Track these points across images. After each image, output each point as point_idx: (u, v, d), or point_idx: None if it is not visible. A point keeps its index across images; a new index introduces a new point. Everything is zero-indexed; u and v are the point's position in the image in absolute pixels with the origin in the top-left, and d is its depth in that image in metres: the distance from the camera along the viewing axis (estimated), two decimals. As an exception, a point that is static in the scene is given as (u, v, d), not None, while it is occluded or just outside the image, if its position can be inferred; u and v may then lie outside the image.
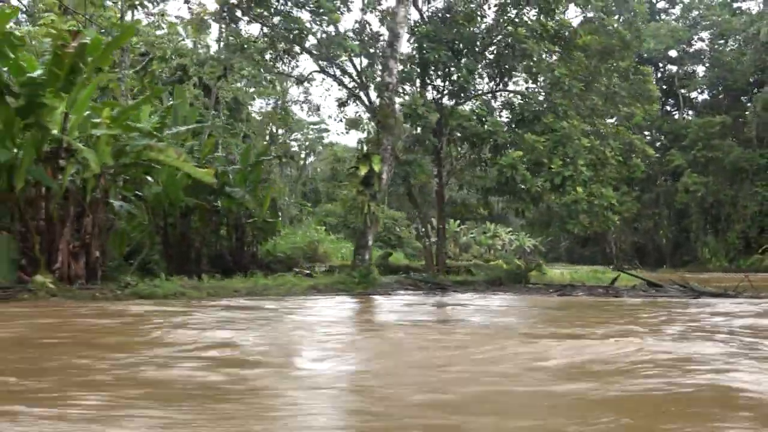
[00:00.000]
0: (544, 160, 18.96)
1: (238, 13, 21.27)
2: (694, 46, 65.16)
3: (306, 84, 26.14)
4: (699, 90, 66.64)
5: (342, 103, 25.01)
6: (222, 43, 26.67)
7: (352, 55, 18.69)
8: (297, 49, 20.93)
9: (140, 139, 17.50)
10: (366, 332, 9.72)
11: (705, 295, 16.01)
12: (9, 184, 15.78)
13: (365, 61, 20.28)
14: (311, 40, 19.77)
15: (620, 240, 62.60)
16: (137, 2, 24.13)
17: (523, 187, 18.72)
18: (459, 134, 19.50)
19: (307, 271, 24.29)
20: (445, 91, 20.39)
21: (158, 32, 28.34)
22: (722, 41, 64.49)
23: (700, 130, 56.59)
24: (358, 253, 18.66)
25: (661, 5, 68.44)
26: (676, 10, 67.75)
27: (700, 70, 66.40)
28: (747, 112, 59.32)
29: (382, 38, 19.93)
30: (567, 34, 19.82)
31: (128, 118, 17.57)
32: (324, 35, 19.00)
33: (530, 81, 20.01)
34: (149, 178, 20.69)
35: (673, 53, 64.86)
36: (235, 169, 23.56)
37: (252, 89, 38.44)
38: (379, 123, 17.99)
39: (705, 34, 65.83)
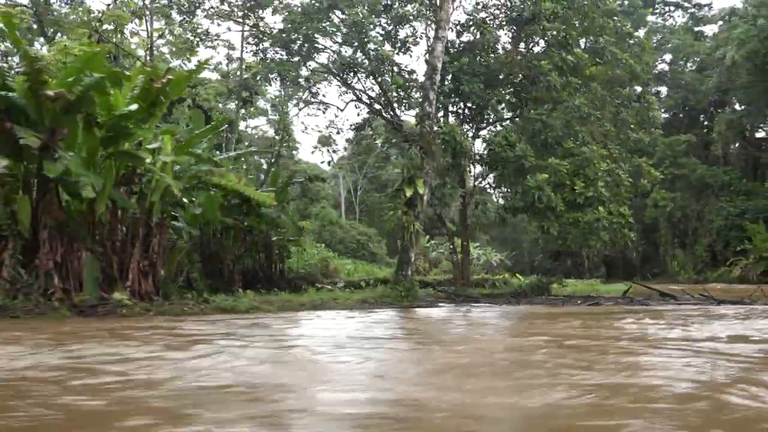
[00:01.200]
0: (567, 182, 20.86)
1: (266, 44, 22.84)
2: (657, 68, 68.59)
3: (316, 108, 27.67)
4: (662, 110, 70.05)
5: (358, 127, 26.67)
6: (244, 67, 28.02)
7: (398, 88, 20.32)
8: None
9: (202, 164, 18.86)
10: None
11: (726, 303, 17.99)
12: (89, 207, 16.97)
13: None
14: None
15: (592, 253, 65.26)
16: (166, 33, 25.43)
17: (547, 206, 20.56)
18: (488, 159, 21.24)
19: (329, 287, 25.81)
20: (465, 117, 22.22)
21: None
22: (682, 63, 68.13)
23: (667, 148, 59.54)
24: (401, 268, 20.21)
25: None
26: (640, 33, 71.19)
27: (663, 90, 69.86)
28: (705, 131, 62.84)
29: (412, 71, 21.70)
30: (581, 65, 21.77)
31: (191, 145, 18.89)
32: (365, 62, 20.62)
33: (551, 109, 21.86)
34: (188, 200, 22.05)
35: (637, 74, 67.96)
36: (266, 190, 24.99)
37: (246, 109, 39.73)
38: (422, 149, 19.62)
39: (667, 57, 69.41)
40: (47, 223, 16.16)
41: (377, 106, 23.29)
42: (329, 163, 59.02)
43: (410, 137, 20.33)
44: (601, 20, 21.93)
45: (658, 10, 74.00)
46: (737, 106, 63.00)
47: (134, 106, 15.79)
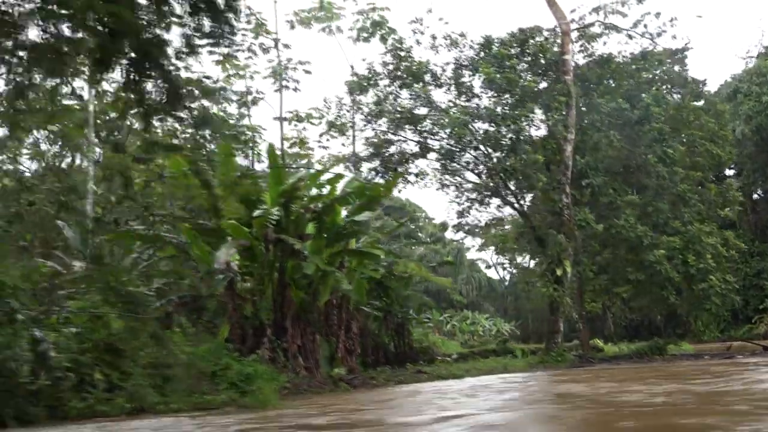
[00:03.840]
0: (679, 256, 24.63)
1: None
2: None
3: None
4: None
5: (462, 213, 30.36)
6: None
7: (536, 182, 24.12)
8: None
9: (389, 257, 22.33)
10: None
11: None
12: (313, 297, 20.24)
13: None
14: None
15: (618, 317, 68.76)
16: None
17: (666, 277, 24.26)
18: (605, 238, 24.93)
19: (448, 358, 29.00)
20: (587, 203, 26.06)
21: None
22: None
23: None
24: (552, 337, 23.63)
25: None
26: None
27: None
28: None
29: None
30: (677, 156, 25.83)
31: (378, 241, 22.34)
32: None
33: (656, 194, 25.74)
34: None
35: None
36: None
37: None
38: (565, 234, 23.31)
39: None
40: (289, 313, 19.42)
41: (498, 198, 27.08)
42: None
43: (544, 225, 24.08)
44: (691, 117, 26.23)
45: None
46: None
47: (365, 215, 19.29)
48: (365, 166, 28.73)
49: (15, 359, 12.06)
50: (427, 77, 27.75)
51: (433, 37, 27.10)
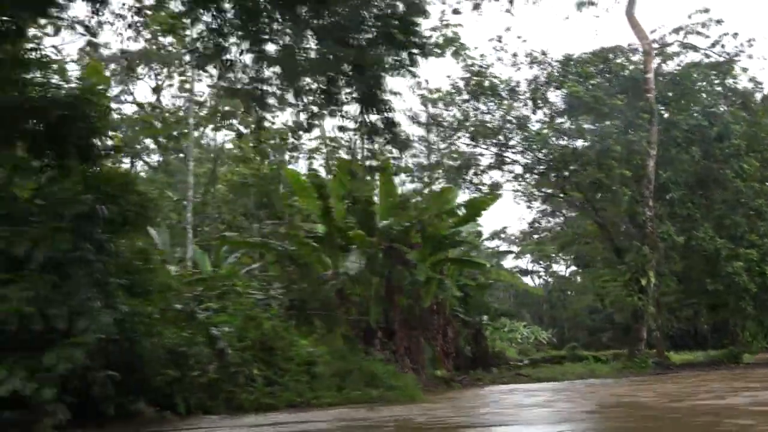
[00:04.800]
0: (756, 267, 25.53)
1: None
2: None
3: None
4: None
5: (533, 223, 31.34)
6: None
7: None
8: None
9: (482, 267, 23.45)
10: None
11: None
12: (417, 302, 21.43)
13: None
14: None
15: (663, 326, 68.97)
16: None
17: (744, 288, 25.18)
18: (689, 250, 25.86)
19: (519, 363, 29.98)
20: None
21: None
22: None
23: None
24: (636, 345, 24.63)
25: None
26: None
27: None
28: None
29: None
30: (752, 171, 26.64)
31: (469, 254, 23.55)
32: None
33: (733, 207, 26.61)
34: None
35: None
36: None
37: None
38: (650, 247, 24.30)
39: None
40: (396, 317, 20.64)
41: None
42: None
43: (625, 237, 25.16)
44: (762, 134, 27.09)
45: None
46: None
47: (468, 226, 20.53)
48: (443, 177, 29.87)
49: (196, 355, 13.36)
50: (504, 92, 28.80)
51: (514, 55, 28.20)
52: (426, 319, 21.65)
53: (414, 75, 10.09)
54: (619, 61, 28.08)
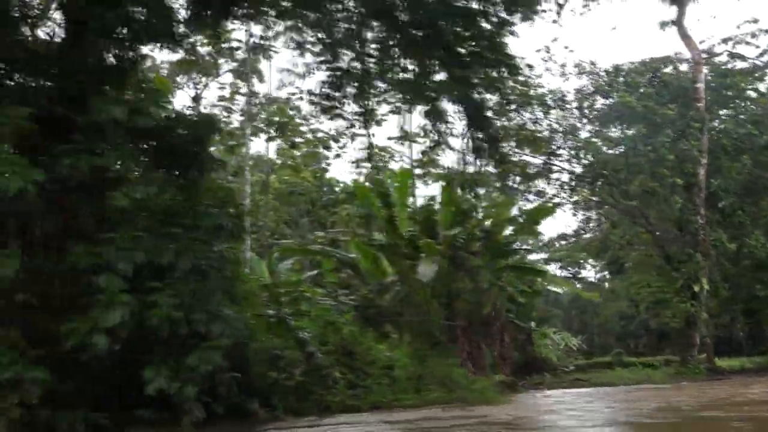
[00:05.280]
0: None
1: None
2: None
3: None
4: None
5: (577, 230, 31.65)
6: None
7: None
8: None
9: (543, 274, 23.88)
10: None
11: None
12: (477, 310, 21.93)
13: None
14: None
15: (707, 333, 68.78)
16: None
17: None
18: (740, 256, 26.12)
19: (566, 368, 30.27)
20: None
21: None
22: None
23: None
24: (688, 351, 24.92)
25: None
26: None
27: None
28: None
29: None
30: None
31: (523, 261, 24.03)
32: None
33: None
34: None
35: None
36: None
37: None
38: (702, 254, 24.61)
39: None
40: (458, 323, 21.17)
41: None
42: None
43: (676, 244, 25.65)
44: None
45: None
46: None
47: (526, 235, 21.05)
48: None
49: (287, 359, 13.96)
50: (550, 102, 29.16)
51: (563, 65, 28.62)
52: (486, 325, 22.14)
53: (503, 94, 10.64)
54: (667, 70, 28.37)
